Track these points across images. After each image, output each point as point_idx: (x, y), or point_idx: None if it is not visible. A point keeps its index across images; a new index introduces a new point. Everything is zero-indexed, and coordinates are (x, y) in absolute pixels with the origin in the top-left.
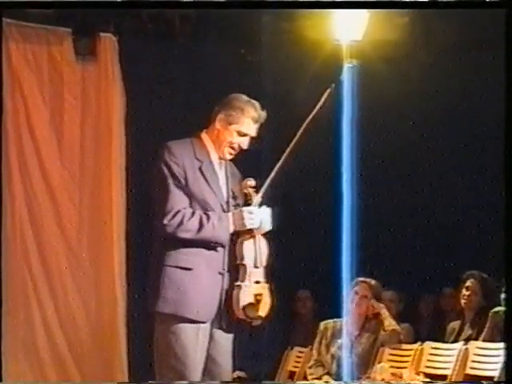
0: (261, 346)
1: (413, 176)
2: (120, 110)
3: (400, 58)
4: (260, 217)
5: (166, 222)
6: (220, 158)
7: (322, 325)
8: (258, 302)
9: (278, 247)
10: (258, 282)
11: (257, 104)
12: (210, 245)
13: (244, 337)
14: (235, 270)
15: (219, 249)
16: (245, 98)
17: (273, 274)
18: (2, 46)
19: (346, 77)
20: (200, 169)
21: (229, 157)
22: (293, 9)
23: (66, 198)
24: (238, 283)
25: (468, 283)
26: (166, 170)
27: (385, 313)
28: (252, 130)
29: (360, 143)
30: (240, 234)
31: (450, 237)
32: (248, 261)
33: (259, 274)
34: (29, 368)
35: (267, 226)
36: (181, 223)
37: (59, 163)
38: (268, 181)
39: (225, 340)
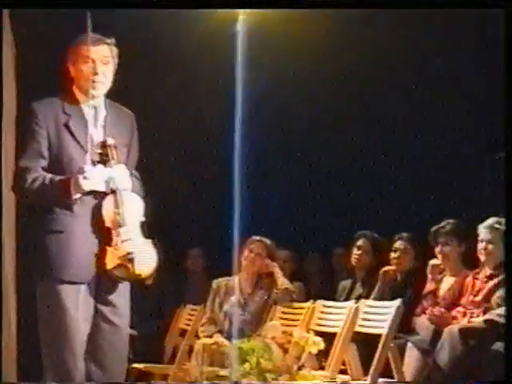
0: (152, 304)
1: (303, 131)
2: None
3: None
4: (107, 176)
5: (27, 186)
6: (93, 100)
7: (215, 283)
8: (130, 261)
9: (168, 204)
10: (125, 241)
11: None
12: (71, 207)
13: (134, 295)
14: (102, 230)
15: (83, 211)
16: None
17: (161, 231)
18: (2, 45)
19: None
20: (66, 124)
21: (97, 92)
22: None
23: None
24: (105, 244)
25: (359, 243)
26: (29, 134)
27: (278, 272)
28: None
29: (252, 103)
30: (99, 195)
31: (342, 197)
32: (109, 222)
33: (128, 232)
34: None
35: (123, 183)
36: (40, 188)
37: None
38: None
39: (118, 299)
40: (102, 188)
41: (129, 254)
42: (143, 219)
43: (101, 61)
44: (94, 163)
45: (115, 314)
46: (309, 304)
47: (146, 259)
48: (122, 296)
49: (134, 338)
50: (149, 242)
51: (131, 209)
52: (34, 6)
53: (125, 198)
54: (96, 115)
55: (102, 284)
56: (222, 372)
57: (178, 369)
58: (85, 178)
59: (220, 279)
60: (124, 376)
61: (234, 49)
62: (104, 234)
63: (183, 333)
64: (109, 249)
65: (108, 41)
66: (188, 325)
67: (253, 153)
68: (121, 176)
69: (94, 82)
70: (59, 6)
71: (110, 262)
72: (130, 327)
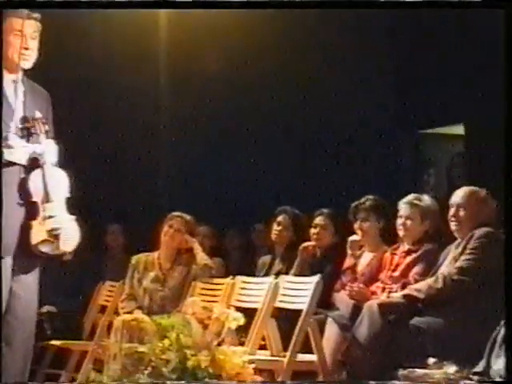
0: (71, 280)
1: (224, 110)
2: None
3: None
4: (34, 150)
5: None
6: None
7: (134, 259)
8: (55, 237)
9: (86, 180)
10: (51, 217)
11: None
12: None
13: (53, 272)
14: (29, 205)
15: (10, 185)
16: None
17: (80, 207)
18: (2, 45)
19: None
20: None
21: (24, 65)
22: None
23: None
24: (30, 219)
25: (279, 218)
26: None
27: (197, 247)
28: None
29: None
30: (26, 169)
31: (262, 173)
32: (36, 196)
33: (54, 208)
34: None
35: (50, 158)
36: None
37: None
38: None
39: (28, 276)
40: (25, 161)
41: (54, 229)
42: (68, 195)
43: (30, 35)
44: (19, 136)
45: (25, 289)
46: (228, 280)
47: (70, 236)
48: (32, 272)
49: (52, 314)
50: (73, 218)
51: (58, 184)
52: (34, 6)
53: (52, 173)
54: (16, 90)
55: (20, 258)
56: (141, 348)
57: (97, 345)
58: (8, 146)
59: (139, 255)
60: (31, 354)
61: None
62: (30, 208)
63: (103, 309)
64: (34, 223)
65: (35, 16)
66: (107, 301)
67: (173, 130)
68: (48, 151)
69: (23, 55)
70: (59, 6)
71: (36, 236)
72: (49, 304)
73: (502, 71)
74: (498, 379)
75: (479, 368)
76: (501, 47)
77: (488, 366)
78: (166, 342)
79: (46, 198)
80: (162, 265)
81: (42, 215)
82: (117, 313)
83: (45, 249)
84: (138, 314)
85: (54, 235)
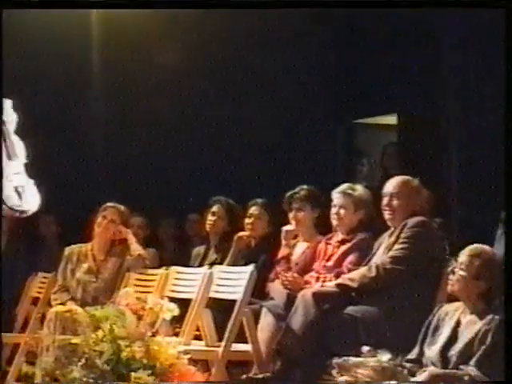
0: (2, 272)
1: (154, 100)
2: None
3: None
4: None
5: None
6: None
7: (67, 250)
8: (18, 194)
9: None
10: (17, 173)
11: None
12: None
13: None
14: None
15: None
16: None
17: None
18: (1, 45)
19: None
20: None
21: None
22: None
23: None
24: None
25: (214, 209)
26: None
27: (131, 238)
28: None
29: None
30: None
31: (196, 163)
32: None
33: (19, 166)
34: None
35: (10, 118)
36: None
37: None
38: None
39: None
40: None
41: (19, 186)
42: (25, 161)
43: None
44: None
45: None
46: (163, 270)
47: (31, 197)
48: None
49: None
50: (32, 182)
51: (19, 144)
52: (34, 6)
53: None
54: None
55: None
56: (75, 340)
57: (30, 337)
58: None
59: (72, 246)
60: None
61: None
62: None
63: (35, 301)
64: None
65: None
66: (40, 293)
67: (106, 121)
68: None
69: None
70: (59, 6)
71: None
72: None
73: (437, 60)
74: (430, 366)
75: (412, 355)
76: (455, 42)
77: (421, 353)
78: (100, 333)
79: (11, 155)
80: (95, 256)
81: (7, 171)
82: (50, 305)
83: (9, 203)
84: (72, 306)
85: (17, 191)
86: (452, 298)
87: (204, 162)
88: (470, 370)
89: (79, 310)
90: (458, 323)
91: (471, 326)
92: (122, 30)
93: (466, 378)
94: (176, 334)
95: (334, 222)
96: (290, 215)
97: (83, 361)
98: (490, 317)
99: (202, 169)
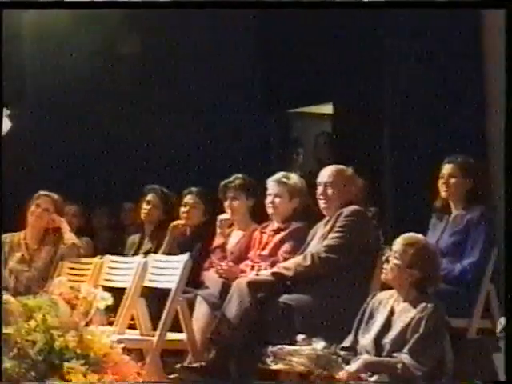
0: None
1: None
2: None
3: None
4: None
5: None
6: None
7: None
8: None
9: None
10: None
11: None
12: None
13: None
14: None
15: None
16: None
17: None
18: (1, 45)
19: None
20: None
21: None
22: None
23: None
24: None
25: (149, 197)
26: None
27: (65, 227)
28: None
29: None
30: None
31: (130, 152)
32: None
33: None
34: None
35: None
36: None
37: None
38: None
39: None
40: None
41: None
42: None
43: None
44: None
45: None
46: (97, 259)
47: None
48: None
49: None
50: None
51: None
52: (34, 6)
53: None
54: None
55: None
56: (7, 330)
57: None
58: None
59: (4, 235)
60: None
61: None
62: None
63: None
64: None
65: None
66: None
67: (41, 110)
68: None
69: None
70: (59, 6)
71: None
72: None
73: (374, 49)
74: (364, 354)
75: (346, 343)
76: (393, 30)
77: (355, 341)
78: (33, 323)
79: None
80: (28, 245)
81: None
82: None
83: None
84: (4, 295)
85: None
86: (386, 287)
87: (138, 150)
88: (404, 357)
89: (11, 299)
90: (391, 311)
91: (404, 314)
92: None
93: (399, 365)
94: (110, 324)
95: (270, 211)
96: (225, 204)
97: (15, 351)
98: (423, 305)
99: (137, 157)
